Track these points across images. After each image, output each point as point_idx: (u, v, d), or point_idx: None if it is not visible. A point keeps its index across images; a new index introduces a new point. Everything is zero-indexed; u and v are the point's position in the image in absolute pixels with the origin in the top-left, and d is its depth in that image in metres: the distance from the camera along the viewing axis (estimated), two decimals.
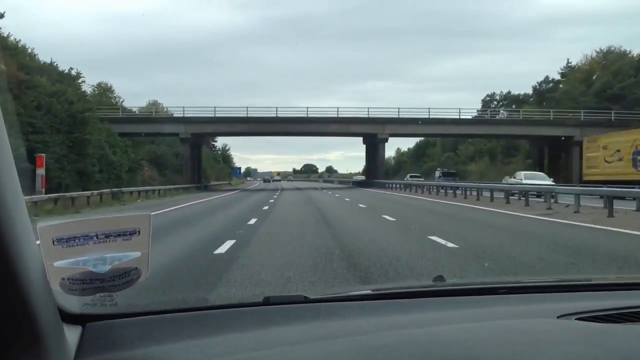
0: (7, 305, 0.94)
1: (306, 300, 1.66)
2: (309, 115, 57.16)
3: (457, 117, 60.28)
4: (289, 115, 57.51)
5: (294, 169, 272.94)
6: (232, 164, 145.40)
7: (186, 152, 56.00)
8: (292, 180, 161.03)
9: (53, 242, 1.03)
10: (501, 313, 1.59)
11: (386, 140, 58.03)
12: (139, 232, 1.08)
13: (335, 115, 57.43)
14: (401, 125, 56.00)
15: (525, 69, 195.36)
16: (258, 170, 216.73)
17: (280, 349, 1.27)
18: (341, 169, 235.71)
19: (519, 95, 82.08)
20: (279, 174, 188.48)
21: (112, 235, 1.06)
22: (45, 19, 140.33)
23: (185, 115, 56.28)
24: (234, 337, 1.36)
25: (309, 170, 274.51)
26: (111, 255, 1.07)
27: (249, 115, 56.26)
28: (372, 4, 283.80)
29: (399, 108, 61.31)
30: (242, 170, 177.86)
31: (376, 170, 59.17)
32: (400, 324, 1.48)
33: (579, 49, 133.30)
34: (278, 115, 55.79)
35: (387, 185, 53.08)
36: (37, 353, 1.02)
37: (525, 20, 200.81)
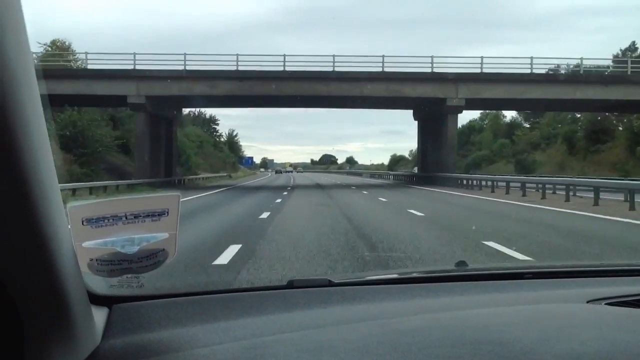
0: (39, 285, 0.99)
1: (330, 284, 1.71)
2: (337, 70, 38.77)
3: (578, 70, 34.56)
4: (305, 69, 38.45)
5: (312, 160, 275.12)
6: (241, 153, 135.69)
7: (140, 125, 37.17)
8: (301, 172, 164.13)
9: (82, 222, 1.07)
10: (529, 297, 1.64)
11: (460, 109, 32.36)
12: (168, 212, 1.11)
13: (380, 70, 31.56)
14: (488, 85, 30.76)
15: (550, 61, 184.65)
16: (275, 161, 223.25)
17: (305, 332, 1.32)
18: (361, 160, 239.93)
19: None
20: (290, 165, 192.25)
21: (141, 216, 1.10)
22: (62, 10, 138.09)
23: (137, 68, 30.40)
24: (259, 319, 1.42)
25: (327, 161, 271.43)
26: (139, 236, 1.10)
27: (241, 68, 30.73)
28: None
29: (482, 57, 35.66)
30: (257, 160, 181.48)
31: (441, 159, 40.43)
32: (426, 308, 1.54)
33: (601, 40, 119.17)
34: (286, 68, 30.28)
35: (460, 181, 36.40)
36: (65, 333, 1.07)
37: (548, 10, 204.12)
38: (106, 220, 1.07)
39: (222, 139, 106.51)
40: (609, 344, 1.17)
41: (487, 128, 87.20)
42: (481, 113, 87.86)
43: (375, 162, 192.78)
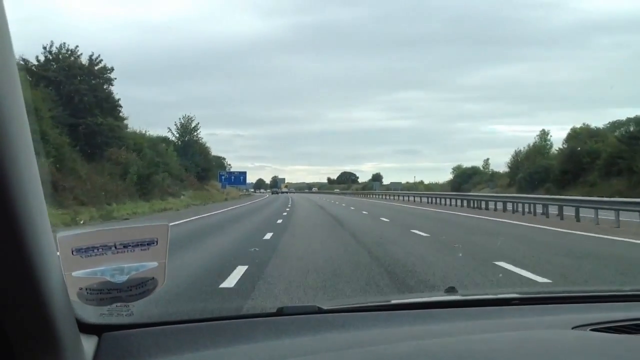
0: (28, 314, 0.99)
1: (320, 311, 1.71)
2: None
3: None
4: None
5: (329, 179, 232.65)
6: (208, 159, 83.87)
7: None
8: (293, 192, 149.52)
9: (72, 252, 1.07)
10: (515, 324, 1.65)
11: None
12: (157, 242, 1.12)
13: None
14: None
15: (564, 78, 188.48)
16: (287, 181, 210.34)
17: (295, 359, 1.32)
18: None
19: None
20: (286, 186, 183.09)
21: (130, 245, 1.10)
22: (69, 28, 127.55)
23: None
24: (249, 347, 1.41)
25: (347, 179, 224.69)
26: (129, 265, 1.10)
27: None
28: (405, 11, 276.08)
29: None
30: (267, 180, 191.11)
31: None
32: (414, 335, 1.53)
33: (619, 57, 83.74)
34: None
35: None
36: None
37: (564, 27, 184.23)
38: (96, 250, 1.08)
39: (124, 120, 44.86)
40: None
41: None
42: None
43: (404, 180, 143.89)
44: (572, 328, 1.50)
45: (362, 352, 1.33)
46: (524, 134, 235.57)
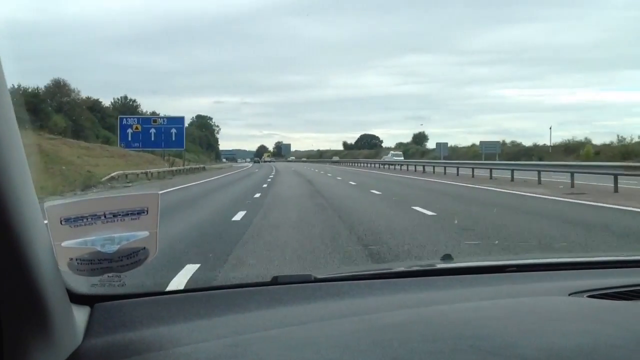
0: (16, 285, 0.97)
1: (314, 280, 1.69)
2: None
3: None
4: None
5: (344, 144, 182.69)
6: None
7: None
8: (272, 161, 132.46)
9: (61, 221, 1.05)
10: (511, 291, 1.63)
11: None
12: (147, 211, 1.09)
13: None
14: None
15: (575, 40, 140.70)
16: (292, 149, 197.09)
17: (289, 329, 1.30)
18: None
19: None
20: (269, 155, 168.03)
21: (120, 215, 1.08)
22: None
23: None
24: (243, 316, 1.40)
25: (369, 143, 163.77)
26: (119, 235, 1.08)
27: None
28: None
29: None
30: (270, 147, 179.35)
31: None
32: (409, 303, 1.52)
33: (631, 17, 66.83)
34: None
35: None
36: (45, 333, 1.05)
37: None
38: (85, 220, 1.05)
39: None
40: (590, 337, 1.16)
41: None
42: None
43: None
44: (569, 294, 1.50)
45: (356, 320, 1.33)
46: (535, 98, 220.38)
